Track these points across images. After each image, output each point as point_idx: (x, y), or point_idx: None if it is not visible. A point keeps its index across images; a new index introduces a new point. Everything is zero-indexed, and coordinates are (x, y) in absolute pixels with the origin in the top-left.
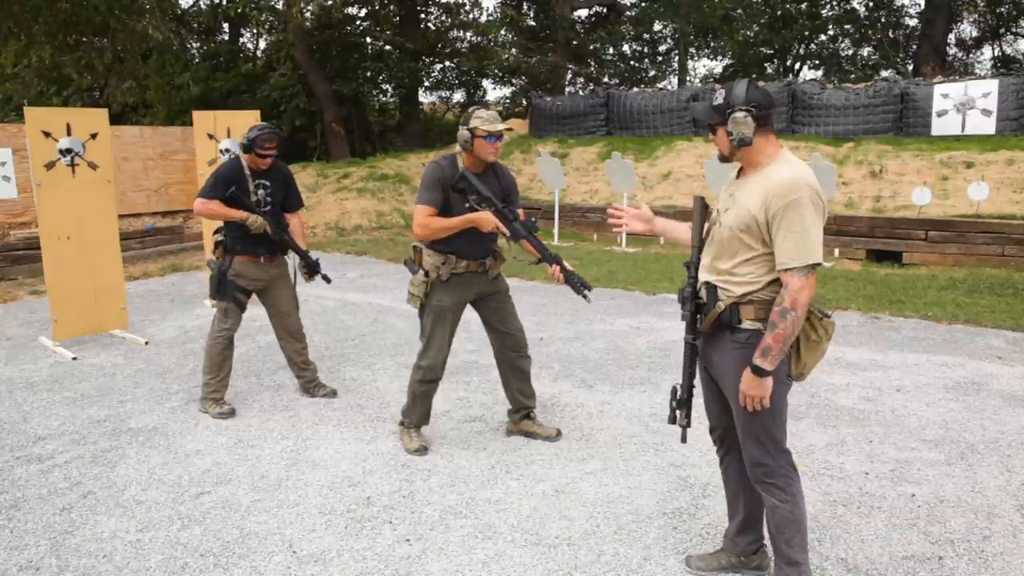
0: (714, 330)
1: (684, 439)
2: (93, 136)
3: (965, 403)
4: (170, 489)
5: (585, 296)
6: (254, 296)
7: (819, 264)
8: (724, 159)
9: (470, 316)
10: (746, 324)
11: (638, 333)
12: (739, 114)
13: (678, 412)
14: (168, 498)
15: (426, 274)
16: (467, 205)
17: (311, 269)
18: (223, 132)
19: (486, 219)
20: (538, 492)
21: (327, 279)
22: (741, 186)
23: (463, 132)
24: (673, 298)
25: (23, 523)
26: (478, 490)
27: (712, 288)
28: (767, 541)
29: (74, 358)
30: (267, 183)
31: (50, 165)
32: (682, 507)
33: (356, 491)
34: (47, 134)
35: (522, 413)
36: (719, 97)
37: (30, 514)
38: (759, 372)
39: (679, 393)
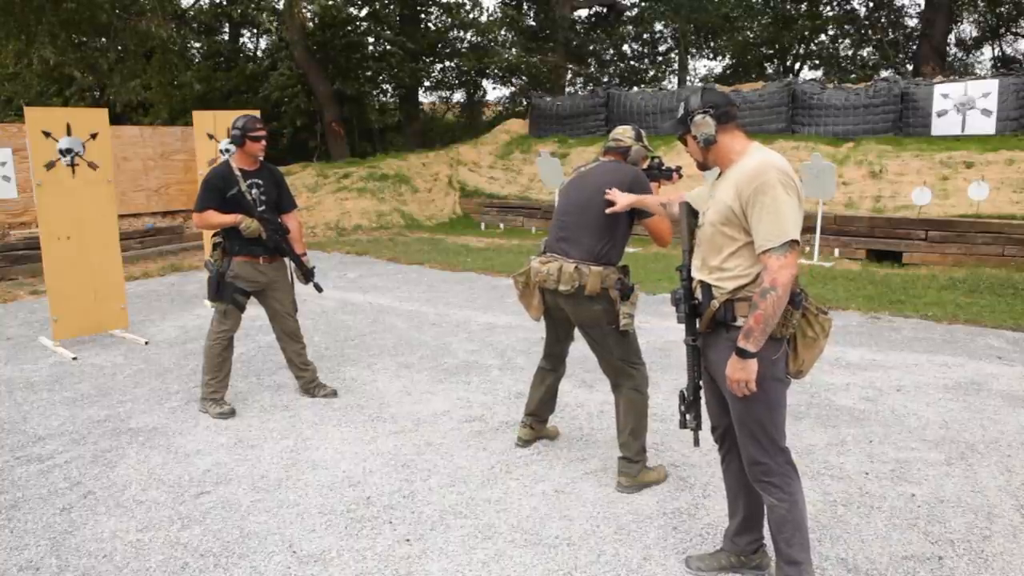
0: (711, 329)
1: (697, 442)
2: (93, 136)
3: (965, 403)
4: (170, 489)
5: None
6: (253, 296)
7: (797, 242)
8: (702, 167)
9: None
10: (740, 321)
11: (638, 333)
12: (698, 117)
13: (687, 415)
14: (168, 498)
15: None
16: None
17: (306, 276)
18: (223, 132)
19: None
20: (538, 492)
21: (319, 288)
22: (718, 185)
23: (639, 149)
24: None
25: (23, 523)
26: (478, 490)
27: (707, 287)
28: (767, 540)
29: (74, 358)
30: (259, 182)
31: (50, 165)
32: (682, 507)
33: (356, 491)
34: (47, 134)
35: (545, 417)
36: (680, 110)
37: (30, 514)
38: (742, 354)
39: (686, 396)
